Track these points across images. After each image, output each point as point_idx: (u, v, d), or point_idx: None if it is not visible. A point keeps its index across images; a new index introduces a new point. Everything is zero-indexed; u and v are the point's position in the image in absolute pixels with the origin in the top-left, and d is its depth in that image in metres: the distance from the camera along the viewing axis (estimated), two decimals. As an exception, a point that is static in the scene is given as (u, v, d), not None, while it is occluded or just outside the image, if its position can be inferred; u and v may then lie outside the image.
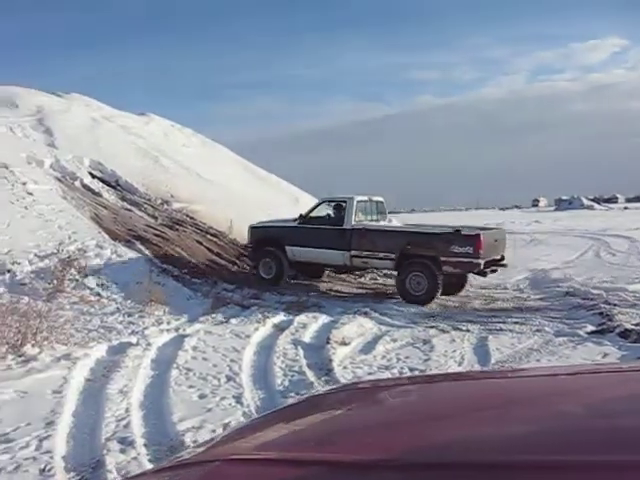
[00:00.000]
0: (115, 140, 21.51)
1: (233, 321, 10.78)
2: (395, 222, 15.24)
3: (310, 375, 8.00)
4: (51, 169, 18.08)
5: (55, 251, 12.91)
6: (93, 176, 18.27)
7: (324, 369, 8.29)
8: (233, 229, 16.57)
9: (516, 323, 10.78)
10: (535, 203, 72.32)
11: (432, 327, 10.62)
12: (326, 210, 14.15)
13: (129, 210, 16.99)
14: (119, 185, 18.60)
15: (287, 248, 14.01)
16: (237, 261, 15.11)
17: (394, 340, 9.78)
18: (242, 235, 16.08)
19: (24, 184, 16.05)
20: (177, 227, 16.27)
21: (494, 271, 13.23)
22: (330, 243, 13.44)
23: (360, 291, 13.82)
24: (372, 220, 14.13)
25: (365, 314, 11.39)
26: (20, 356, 7.99)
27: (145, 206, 17.68)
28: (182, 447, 5.68)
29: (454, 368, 8.42)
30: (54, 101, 24.69)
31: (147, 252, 14.25)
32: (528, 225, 29.78)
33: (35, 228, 14.13)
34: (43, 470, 5.10)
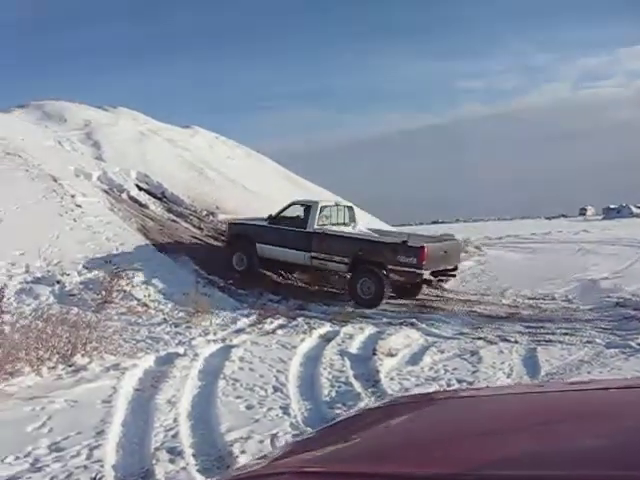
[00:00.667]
0: (161, 153, 21.74)
1: (279, 332, 10.79)
2: (361, 228, 15.28)
3: (357, 386, 7.95)
4: (99, 182, 18.34)
5: (103, 262, 13.09)
6: (140, 188, 18.47)
7: (371, 380, 8.23)
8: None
9: (565, 334, 10.59)
10: (582, 212, 71.07)
11: (479, 338, 10.49)
12: (294, 212, 14.72)
13: (175, 222, 17.14)
14: (165, 197, 18.77)
15: (257, 245, 14.70)
16: (283, 272, 15.11)
17: (441, 351, 9.69)
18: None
19: (73, 197, 16.29)
20: (223, 238, 16.33)
21: (441, 280, 14.05)
22: (294, 244, 14.14)
23: (405, 301, 13.71)
24: (338, 224, 14.74)
25: (411, 325, 11.32)
26: (70, 366, 8.09)
27: (191, 218, 17.80)
28: (230, 457, 5.68)
29: (503, 380, 8.30)
30: (101, 115, 25.07)
31: (193, 263, 14.36)
32: (576, 234, 29.19)
33: (83, 240, 14.34)
34: (94, 479, 5.14)
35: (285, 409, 7.08)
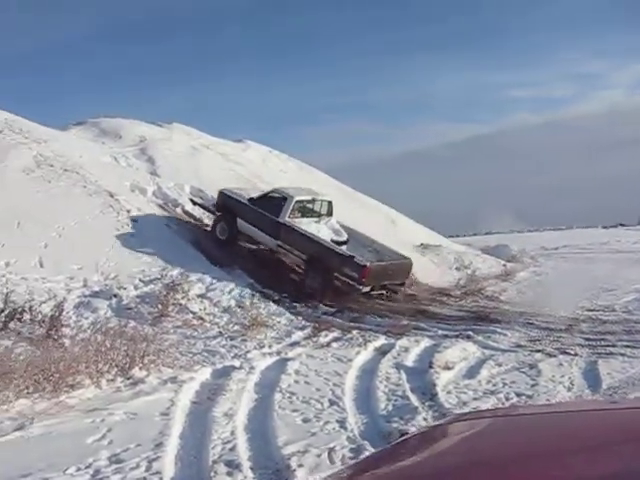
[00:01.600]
0: (214, 167, 21.92)
1: (334, 345, 10.76)
2: (333, 223, 15.98)
3: (414, 400, 7.88)
4: (153, 196, 18.58)
5: (159, 276, 13.25)
6: (194, 202, 18.62)
7: (428, 394, 8.15)
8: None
9: (627, 347, 10.36)
10: (642, 220, 69.21)
11: (538, 351, 10.32)
12: (273, 199, 15.64)
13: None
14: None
15: (238, 220, 15.96)
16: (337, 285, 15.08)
17: (499, 364, 9.55)
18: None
19: (128, 212, 16.55)
20: (277, 251, 16.38)
21: (382, 294, 14.74)
22: (266, 228, 15.36)
23: (461, 314, 13.55)
24: (313, 216, 15.77)
25: (468, 337, 11.18)
26: (129, 378, 8.19)
27: (244, 231, 17.88)
28: (288, 471, 5.67)
29: (563, 394, 8.14)
30: (156, 131, 25.40)
31: (247, 276, 14.43)
32: (635, 243, 28.55)
33: (140, 254, 14.54)
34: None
35: (342, 423, 7.06)
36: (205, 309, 12.34)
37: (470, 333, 11.43)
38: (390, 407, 7.66)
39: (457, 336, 11.28)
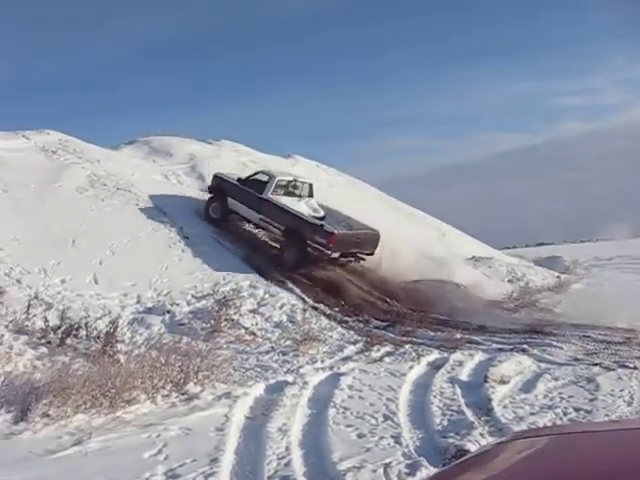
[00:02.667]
0: (263, 183, 22.05)
1: (387, 359, 10.69)
2: (313, 203, 17.50)
3: (469, 414, 7.77)
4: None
5: (211, 292, 13.36)
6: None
7: (483, 408, 8.04)
8: (383, 266, 16.53)
9: (689, 359, 10.07)
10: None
11: (595, 364, 10.12)
12: (260, 179, 17.62)
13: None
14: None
15: (228, 199, 17.85)
16: (388, 299, 15.00)
17: (555, 378, 9.37)
18: (393, 272, 16.15)
19: (180, 229, 16.78)
20: (326, 266, 16.40)
21: (350, 261, 16.59)
22: (251, 204, 17.23)
23: (515, 326, 13.34)
24: (294, 196, 17.38)
25: (522, 351, 11.00)
26: (183, 394, 8.24)
27: (295, 246, 17.94)
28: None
29: (623, 409, 7.97)
30: (205, 148, 25.71)
31: (299, 291, 14.47)
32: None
33: (192, 270, 14.72)
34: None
35: (397, 438, 6.99)
36: (257, 324, 12.39)
37: (525, 346, 11.25)
38: (445, 422, 7.56)
39: (512, 349, 11.11)
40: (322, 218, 16.74)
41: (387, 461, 6.26)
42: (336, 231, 15.70)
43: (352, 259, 16.60)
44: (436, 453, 6.55)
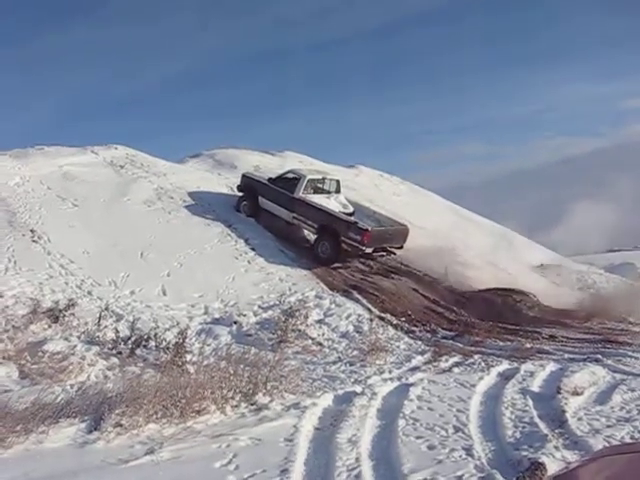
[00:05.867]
0: (328, 193, 22.06)
1: (456, 370, 10.53)
2: (341, 199, 18.29)
3: (542, 427, 7.59)
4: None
5: (277, 302, 13.43)
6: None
7: (557, 421, 7.83)
8: (449, 275, 16.33)
9: None
10: None
11: (674, 375, 9.75)
12: (289, 179, 18.19)
13: (343, 259, 17.27)
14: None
15: (259, 198, 18.51)
16: (455, 308, 14.78)
17: (632, 389, 9.07)
18: (459, 281, 15.96)
19: (246, 240, 16.93)
20: (392, 275, 16.31)
21: (382, 256, 17.32)
22: (283, 203, 17.81)
23: (587, 336, 12.98)
24: (323, 192, 18.20)
25: (596, 361, 10.69)
26: (252, 404, 8.27)
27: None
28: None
29: None
30: (269, 160, 25.89)
31: (365, 301, 14.37)
32: None
33: (258, 281, 14.83)
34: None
35: (468, 450, 6.86)
36: (324, 334, 12.38)
37: (599, 356, 10.92)
38: (518, 434, 7.39)
39: (585, 360, 10.80)
40: (352, 214, 17.70)
41: (459, 474, 6.17)
42: (370, 228, 16.41)
43: (384, 253, 17.35)
44: (509, 466, 6.41)
